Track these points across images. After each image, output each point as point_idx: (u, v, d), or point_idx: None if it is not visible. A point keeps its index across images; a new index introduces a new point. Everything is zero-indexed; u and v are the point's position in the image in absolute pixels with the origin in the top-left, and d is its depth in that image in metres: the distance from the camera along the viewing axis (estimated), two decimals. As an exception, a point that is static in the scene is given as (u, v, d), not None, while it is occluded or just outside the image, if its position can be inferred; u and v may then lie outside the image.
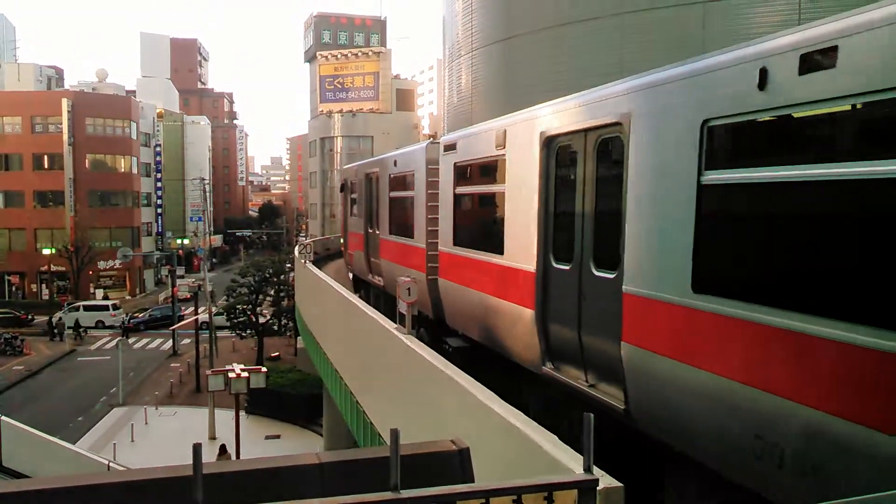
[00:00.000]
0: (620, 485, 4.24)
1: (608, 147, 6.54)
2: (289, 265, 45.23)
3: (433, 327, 12.13)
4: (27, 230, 64.86)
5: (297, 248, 27.37)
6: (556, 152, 7.45)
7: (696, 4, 15.44)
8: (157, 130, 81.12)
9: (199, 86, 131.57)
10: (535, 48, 19.29)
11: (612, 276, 6.30)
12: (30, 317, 56.80)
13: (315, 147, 73.47)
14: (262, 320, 45.22)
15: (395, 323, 10.13)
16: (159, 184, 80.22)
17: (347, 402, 14.52)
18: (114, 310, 56.75)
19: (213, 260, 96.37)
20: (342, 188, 20.59)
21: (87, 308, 56.48)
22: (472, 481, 3.61)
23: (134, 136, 71.63)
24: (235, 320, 44.76)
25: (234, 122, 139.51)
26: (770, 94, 4.55)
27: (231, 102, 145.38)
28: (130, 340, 50.06)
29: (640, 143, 5.90)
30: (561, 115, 7.31)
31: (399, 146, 19.22)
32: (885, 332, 3.77)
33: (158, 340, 51.55)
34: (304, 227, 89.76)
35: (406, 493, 2.40)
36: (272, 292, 46.21)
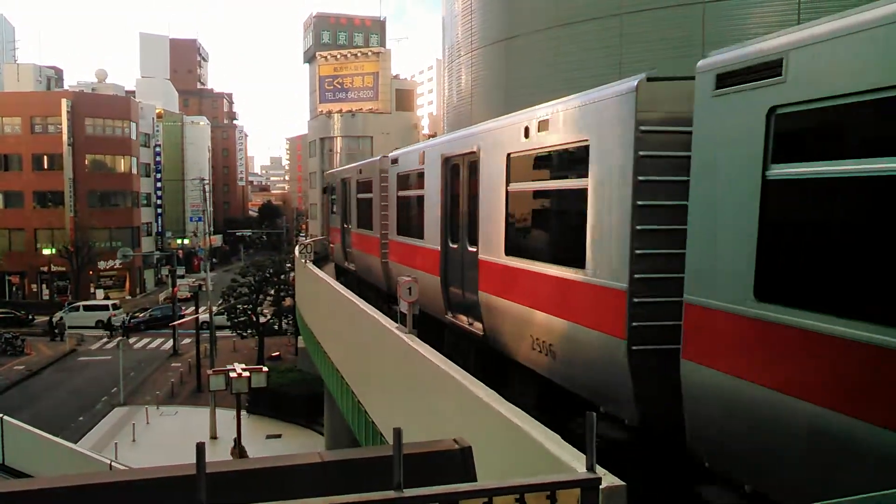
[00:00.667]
0: (623, 484, 4.25)
1: (474, 165, 9.58)
2: (289, 265, 45.24)
3: (386, 298, 15.30)
4: (27, 230, 64.86)
5: (297, 247, 27.38)
6: (450, 168, 10.70)
7: (696, 5, 15.44)
8: (157, 131, 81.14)
9: (199, 86, 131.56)
10: (535, 49, 19.29)
11: (475, 250, 9.52)
12: (30, 317, 56.83)
13: (315, 147, 73.46)
14: (262, 320, 45.23)
15: (396, 322, 10.13)
16: (159, 184, 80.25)
17: (349, 401, 14.53)
18: (114, 310, 56.76)
19: (213, 260, 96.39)
20: (324, 190, 24.04)
21: (86, 308, 56.50)
22: (475, 480, 3.61)
23: (133, 137, 71.63)
24: (236, 320, 44.78)
25: (234, 122, 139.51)
26: (530, 140, 7.81)
27: (230, 103, 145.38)
28: (131, 340, 50.08)
29: (484, 164, 9.19)
30: (452, 144, 10.80)
31: (397, 147, 19.37)
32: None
33: (159, 340, 51.56)
34: (303, 226, 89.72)
35: (409, 493, 2.40)
36: (272, 292, 46.22)
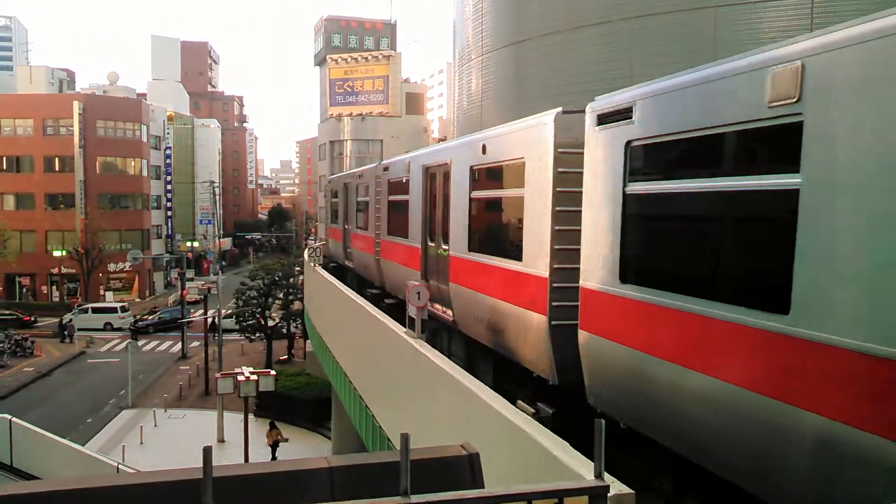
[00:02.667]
0: (631, 492, 4.23)
1: (447, 175, 11.14)
2: (298, 268, 45.31)
3: (382, 294, 16.65)
4: (38, 232, 65.19)
5: (306, 251, 27.42)
6: (429, 177, 12.31)
7: (707, 9, 15.40)
8: (168, 133, 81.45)
9: (210, 89, 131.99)
10: (546, 52, 19.27)
11: (447, 248, 11.02)
12: (32, 318, 57.00)
13: (324, 150, 73.56)
14: (270, 323, 45.33)
15: (405, 327, 10.12)
16: (169, 186, 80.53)
17: (356, 405, 14.52)
18: (122, 312, 56.95)
19: (223, 263, 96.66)
20: (328, 194, 26.53)
21: (94, 310, 56.70)
22: (482, 487, 3.60)
23: (144, 139, 71.95)
24: (244, 323, 44.88)
25: (244, 125, 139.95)
26: (486, 156, 9.52)
27: (241, 105, 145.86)
28: (140, 343, 50.25)
29: (454, 174, 10.73)
30: (431, 156, 12.59)
31: (408, 150, 19.45)
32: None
33: (168, 343, 51.71)
34: (313, 230, 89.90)
35: (416, 499, 2.39)
36: (281, 295, 46.31)
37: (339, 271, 22.25)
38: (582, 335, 6.73)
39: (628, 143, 6.06)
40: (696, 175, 5.44)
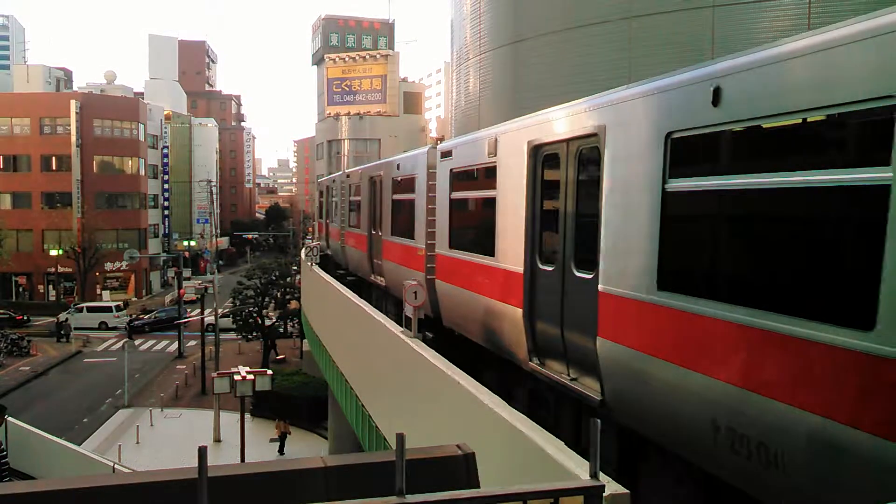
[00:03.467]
0: (627, 491, 4.22)
1: (382, 182, 14.57)
2: (295, 267, 45.27)
3: (346, 273, 20.51)
4: (35, 231, 65.10)
5: (303, 250, 27.41)
6: (372, 183, 15.99)
7: (705, 8, 15.41)
8: (165, 132, 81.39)
9: (207, 88, 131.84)
10: (543, 51, 19.27)
11: (380, 233, 14.33)
12: (25, 317, 56.83)
13: (322, 150, 73.57)
14: (267, 323, 45.28)
15: (402, 326, 10.12)
16: (166, 185, 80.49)
17: (353, 405, 14.52)
18: (117, 311, 56.88)
19: (220, 262, 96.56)
20: (321, 193, 28.07)
21: (89, 309, 56.63)
22: (478, 486, 3.59)
23: (141, 138, 71.86)
24: (241, 322, 44.84)
25: (242, 124, 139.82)
26: (399, 171, 13.83)
27: (239, 105, 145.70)
28: (136, 342, 50.21)
29: (384, 182, 14.18)
30: (372, 169, 16.45)
31: (405, 150, 19.73)
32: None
33: (164, 342, 51.66)
34: (310, 229, 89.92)
35: (411, 499, 2.38)
36: (278, 295, 46.28)
37: (324, 258, 24.59)
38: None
39: (452, 171, 10.56)
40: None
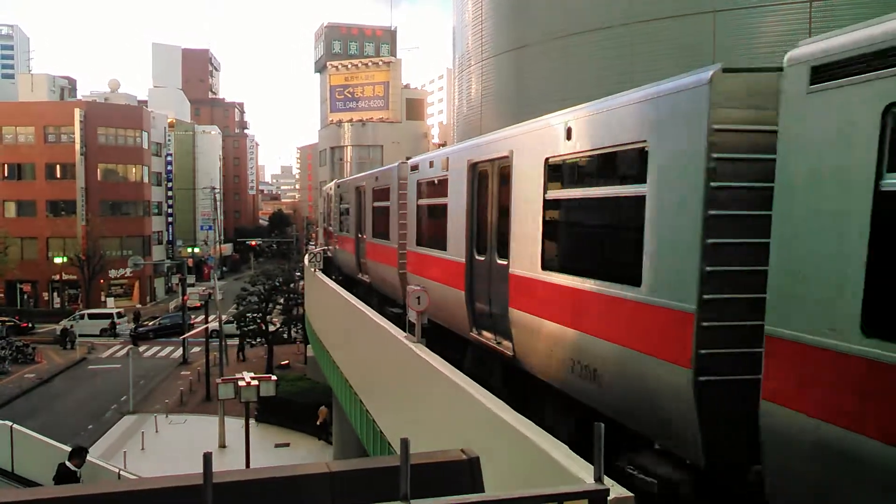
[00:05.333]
0: (631, 495, 4.23)
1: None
2: (298, 273, 45.33)
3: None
4: (39, 239, 65.24)
5: (306, 256, 27.46)
6: (359, 192, 17.81)
7: (706, 14, 15.42)
8: (169, 140, 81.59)
9: (211, 96, 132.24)
10: (545, 58, 19.30)
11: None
12: (30, 325, 56.90)
13: (325, 156, 73.66)
14: (271, 328, 45.27)
15: (405, 331, 10.12)
16: (170, 193, 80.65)
17: (357, 410, 14.51)
18: (118, 318, 56.94)
19: (224, 268, 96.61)
20: (324, 200, 29.64)
21: (91, 316, 56.67)
22: (482, 491, 3.60)
23: (145, 146, 72.05)
24: (245, 328, 44.85)
25: (245, 131, 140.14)
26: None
27: (242, 112, 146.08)
28: (140, 349, 50.24)
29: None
30: (356, 181, 18.33)
31: (409, 156, 19.66)
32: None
33: (169, 349, 51.69)
34: (313, 235, 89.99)
35: (416, 503, 2.39)
36: (282, 300, 46.27)
37: (327, 264, 25.63)
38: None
39: (417, 181, 12.74)
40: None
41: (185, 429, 33.74)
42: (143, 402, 37.69)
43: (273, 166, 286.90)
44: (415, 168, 12.75)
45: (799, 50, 4.25)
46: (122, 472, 19.80)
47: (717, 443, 4.93)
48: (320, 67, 74.99)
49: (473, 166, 9.68)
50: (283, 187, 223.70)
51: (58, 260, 63.70)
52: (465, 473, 3.70)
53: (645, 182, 5.63)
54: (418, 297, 9.54)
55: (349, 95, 69.70)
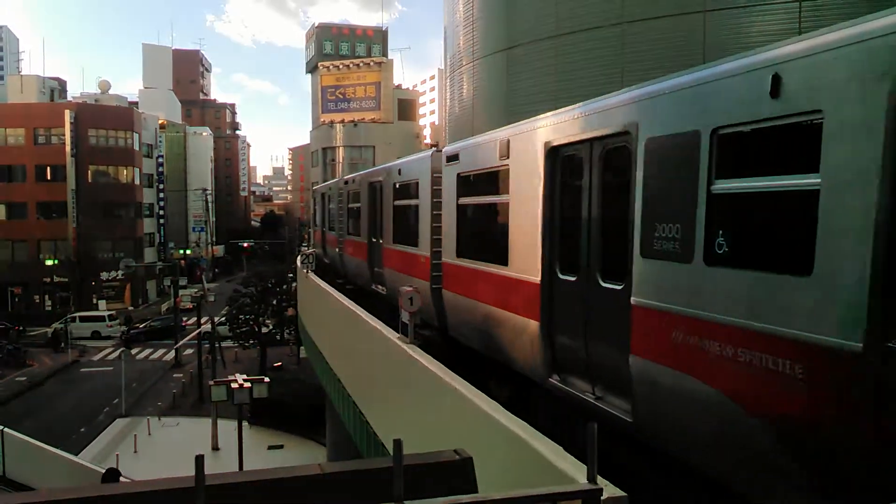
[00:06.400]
0: (624, 494, 4.23)
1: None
2: (291, 275, 45.27)
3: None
4: (30, 241, 64.93)
5: (299, 257, 27.41)
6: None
7: (697, 13, 15.47)
8: (160, 141, 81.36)
9: (202, 97, 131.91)
10: (537, 58, 19.32)
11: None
12: (21, 328, 56.54)
13: (317, 157, 73.58)
14: (264, 330, 45.17)
15: (398, 333, 10.11)
16: (162, 194, 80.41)
17: (350, 411, 14.49)
18: (110, 321, 56.72)
19: (216, 270, 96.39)
20: (315, 201, 29.24)
21: (82, 319, 56.45)
22: (476, 491, 3.60)
23: (136, 147, 71.79)
24: (238, 330, 44.75)
25: (237, 132, 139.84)
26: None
27: (233, 113, 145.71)
28: (133, 351, 50.07)
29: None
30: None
31: (399, 157, 19.67)
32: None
33: (161, 351, 51.53)
34: (306, 236, 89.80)
35: (409, 504, 2.39)
36: (274, 302, 46.21)
37: (322, 267, 25.45)
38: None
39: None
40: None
41: (177, 431, 33.68)
42: (136, 405, 37.59)
43: (265, 167, 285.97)
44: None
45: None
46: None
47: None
48: (311, 68, 74.89)
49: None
50: (275, 188, 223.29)
51: (49, 262, 63.41)
52: (458, 474, 3.71)
53: None
54: (411, 299, 9.53)
55: (341, 96, 69.64)
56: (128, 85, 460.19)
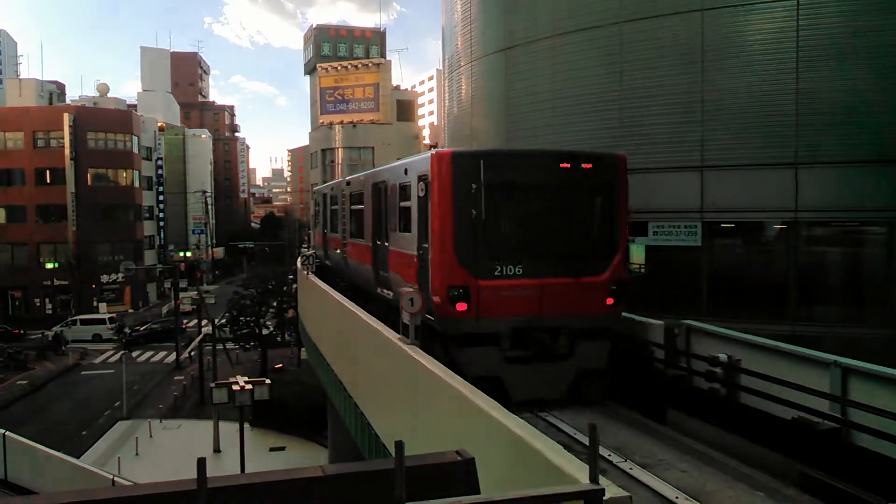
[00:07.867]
0: (627, 494, 4.22)
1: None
2: (291, 276, 45.26)
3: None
4: (30, 245, 64.92)
5: (299, 259, 27.42)
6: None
7: (694, 13, 15.48)
8: (159, 144, 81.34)
9: (200, 99, 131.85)
10: (535, 58, 19.34)
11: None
12: (22, 331, 56.49)
13: (316, 158, 73.58)
14: (265, 332, 45.15)
15: (399, 333, 10.12)
16: (161, 197, 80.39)
17: (351, 413, 14.48)
18: (110, 323, 56.73)
19: (216, 272, 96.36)
20: (316, 203, 30.13)
21: (83, 322, 56.45)
22: (478, 492, 3.60)
23: (135, 150, 71.76)
24: (239, 332, 44.73)
25: (236, 134, 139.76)
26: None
27: (232, 115, 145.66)
28: (133, 353, 50.05)
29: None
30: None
31: (399, 157, 19.92)
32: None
33: (162, 353, 51.52)
34: (305, 238, 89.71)
35: (411, 506, 2.39)
36: (275, 303, 46.19)
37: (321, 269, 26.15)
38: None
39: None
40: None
41: (179, 434, 33.66)
42: (137, 408, 37.58)
43: (264, 169, 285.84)
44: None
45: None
46: (116, 478, 19.68)
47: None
48: (310, 69, 74.90)
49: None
50: (274, 190, 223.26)
51: (49, 265, 63.36)
52: (460, 475, 3.71)
53: None
54: (411, 300, 9.53)
55: (339, 97, 69.64)
56: (126, 88, 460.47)
